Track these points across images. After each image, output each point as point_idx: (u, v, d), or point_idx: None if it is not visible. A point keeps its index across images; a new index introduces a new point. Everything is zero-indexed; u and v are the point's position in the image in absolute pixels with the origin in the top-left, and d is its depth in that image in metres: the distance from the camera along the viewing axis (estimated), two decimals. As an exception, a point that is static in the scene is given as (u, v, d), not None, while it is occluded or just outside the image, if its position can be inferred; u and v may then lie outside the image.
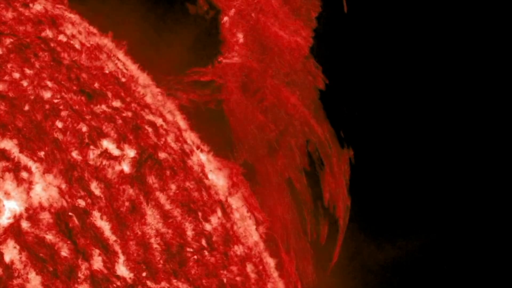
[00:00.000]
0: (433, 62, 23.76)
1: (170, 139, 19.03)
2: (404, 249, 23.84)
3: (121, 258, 11.89)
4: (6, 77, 12.58)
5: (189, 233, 15.38)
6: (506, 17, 22.51)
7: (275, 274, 20.41)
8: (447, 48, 23.64)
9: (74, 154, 12.81)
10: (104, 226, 12.10)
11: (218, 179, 20.24)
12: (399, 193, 24.17)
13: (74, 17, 21.78)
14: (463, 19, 23.24)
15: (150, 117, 18.94)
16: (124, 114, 16.78)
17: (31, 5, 17.57)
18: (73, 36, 18.99)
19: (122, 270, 11.77)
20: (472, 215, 23.50)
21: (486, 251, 23.25)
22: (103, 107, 15.92)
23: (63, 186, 11.59)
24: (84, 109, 14.71)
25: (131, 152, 15.19)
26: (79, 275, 10.82)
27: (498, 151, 23.36)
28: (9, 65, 12.95)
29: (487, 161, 23.51)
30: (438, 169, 24.10)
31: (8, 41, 13.97)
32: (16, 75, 12.69)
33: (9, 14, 15.76)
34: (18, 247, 9.70)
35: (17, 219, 10.05)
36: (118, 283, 11.45)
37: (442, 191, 23.89)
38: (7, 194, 10.33)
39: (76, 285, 10.55)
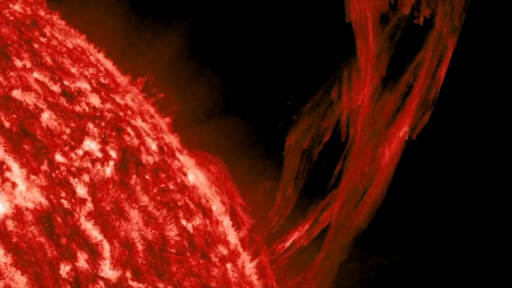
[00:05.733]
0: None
1: (151, 140, 19.10)
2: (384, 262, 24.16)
3: (105, 259, 11.94)
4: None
5: (171, 234, 15.45)
6: None
7: (255, 275, 20.56)
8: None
9: (58, 155, 12.83)
10: (88, 226, 12.13)
11: (199, 179, 20.35)
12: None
13: (54, 18, 21.71)
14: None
15: (131, 118, 18.98)
16: (105, 115, 16.80)
17: (11, 5, 17.51)
18: (54, 37, 18.95)
19: (106, 271, 11.82)
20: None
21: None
22: (85, 108, 15.92)
23: (47, 187, 11.59)
24: (67, 110, 14.70)
25: (113, 153, 15.22)
26: (63, 275, 10.84)
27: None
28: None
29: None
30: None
31: (-10, 42, 13.93)
32: (-1, 76, 12.68)
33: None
34: (3, 247, 9.70)
35: (2, 219, 10.04)
36: (102, 284, 11.50)
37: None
38: (-8, 195, 10.32)
39: (60, 286, 10.57)
